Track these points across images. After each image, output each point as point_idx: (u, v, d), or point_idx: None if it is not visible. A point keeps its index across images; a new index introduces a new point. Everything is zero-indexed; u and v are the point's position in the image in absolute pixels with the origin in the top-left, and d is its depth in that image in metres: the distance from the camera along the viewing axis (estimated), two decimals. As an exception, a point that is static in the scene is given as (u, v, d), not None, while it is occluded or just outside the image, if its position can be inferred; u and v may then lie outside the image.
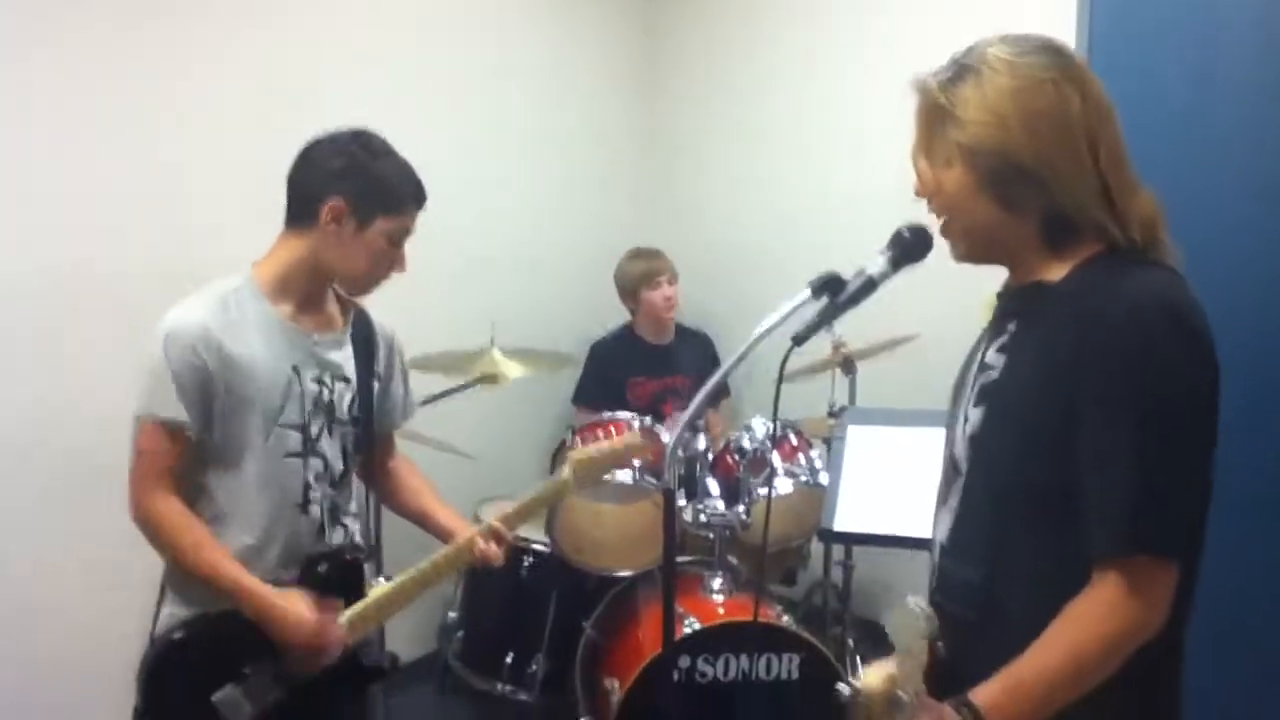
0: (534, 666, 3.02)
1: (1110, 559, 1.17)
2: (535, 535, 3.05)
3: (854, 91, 3.62)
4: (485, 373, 2.84)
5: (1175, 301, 1.19)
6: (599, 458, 2.06)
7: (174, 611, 1.83)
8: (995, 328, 1.36)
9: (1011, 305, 1.35)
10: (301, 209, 1.81)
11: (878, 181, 3.57)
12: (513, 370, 2.92)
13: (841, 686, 1.14)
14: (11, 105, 2.46)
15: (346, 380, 1.91)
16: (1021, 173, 1.22)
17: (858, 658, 3.13)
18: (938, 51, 1.32)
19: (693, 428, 2.93)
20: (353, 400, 1.92)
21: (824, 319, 1.38)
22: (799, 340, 1.37)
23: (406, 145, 1.87)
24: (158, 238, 2.69)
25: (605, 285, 3.72)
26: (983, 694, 1.17)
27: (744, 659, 2.51)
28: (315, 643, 1.78)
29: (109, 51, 2.61)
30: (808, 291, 1.39)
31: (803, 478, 2.76)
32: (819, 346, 2.99)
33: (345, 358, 1.92)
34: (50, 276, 2.53)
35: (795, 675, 2.53)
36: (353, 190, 1.77)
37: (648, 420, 2.83)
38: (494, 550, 1.92)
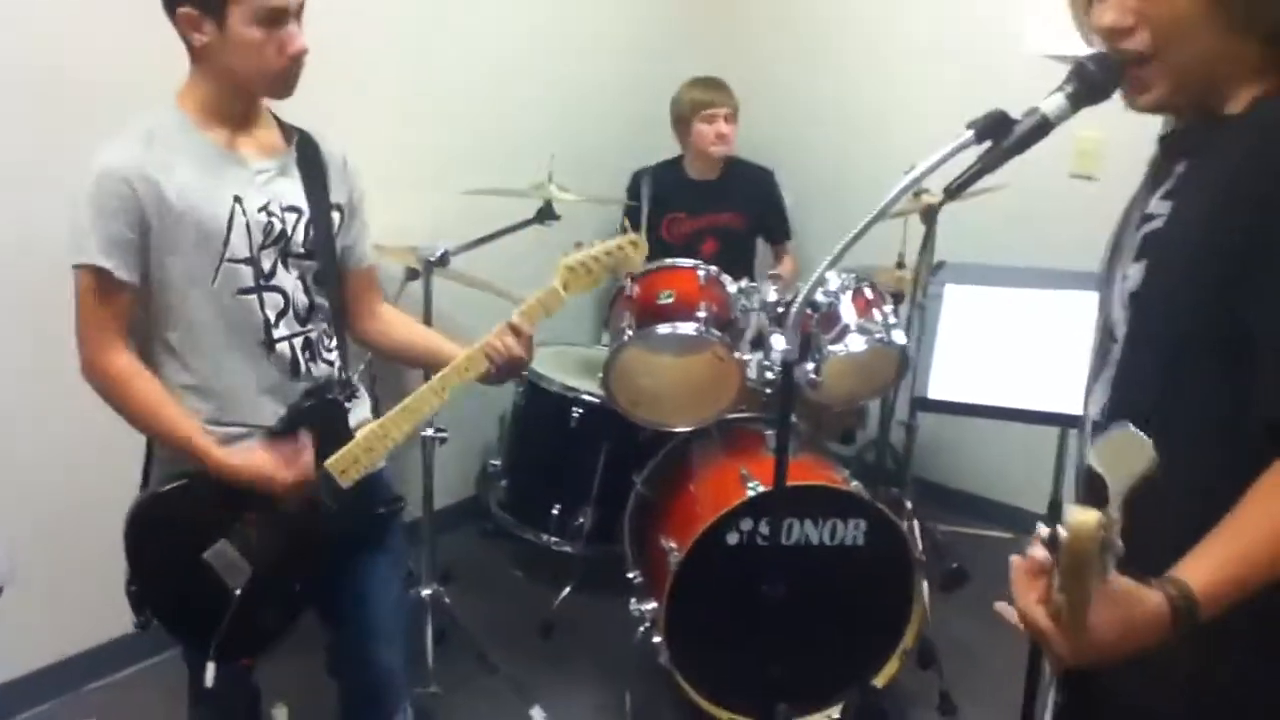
0: (581, 519, 2.94)
1: None
2: (588, 386, 2.91)
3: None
4: (544, 199, 2.63)
5: None
6: (590, 264, 1.88)
7: (162, 465, 1.74)
8: (1159, 173, 1.17)
9: (1178, 145, 1.16)
10: (179, 35, 1.64)
11: (957, 29, 3.30)
12: (569, 205, 2.70)
13: (1042, 529, 0.98)
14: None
15: (297, 210, 1.73)
16: None
17: (915, 521, 3.03)
18: None
19: (752, 276, 2.74)
20: (307, 231, 1.74)
21: (986, 166, 1.17)
22: (953, 191, 1.19)
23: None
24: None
25: (655, 128, 3.43)
26: (1192, 573, 0.98)
27: (808, 523, 2.40)
28: (283, 483, 1.69)
29: None
30: (970, 133, 1.17)
31: (876, 335, 2.56)
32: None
33: (292, 185, 1.74)
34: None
35: (861, 542, 2.42)
36: None
37: (713, 270, 2.63)
38: (511, 341, 1.78)
